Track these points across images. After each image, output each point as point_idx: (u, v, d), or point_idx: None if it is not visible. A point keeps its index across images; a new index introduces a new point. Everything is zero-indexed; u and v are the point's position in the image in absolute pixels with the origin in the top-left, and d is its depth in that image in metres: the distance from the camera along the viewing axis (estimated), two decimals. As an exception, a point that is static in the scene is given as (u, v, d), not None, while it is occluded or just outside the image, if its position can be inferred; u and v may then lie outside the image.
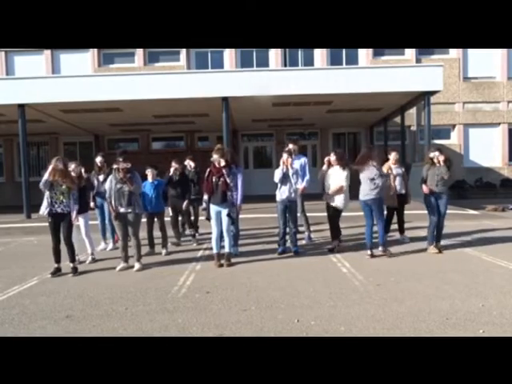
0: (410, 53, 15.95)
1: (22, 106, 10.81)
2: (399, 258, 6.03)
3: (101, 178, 6.98)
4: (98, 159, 7.29)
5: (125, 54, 16.22)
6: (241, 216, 6.81)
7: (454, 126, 16.49)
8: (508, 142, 16.45)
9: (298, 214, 6.98)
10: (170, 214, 7.50)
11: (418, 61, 15.93)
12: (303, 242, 7.28)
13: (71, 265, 5.60)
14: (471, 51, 16.09)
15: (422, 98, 11.19)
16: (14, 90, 10.83)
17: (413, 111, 13.59)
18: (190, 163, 7.80)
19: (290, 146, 7.29)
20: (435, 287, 4.47)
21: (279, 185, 6.31)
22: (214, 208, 5.74)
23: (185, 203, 7.25)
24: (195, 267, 5.73)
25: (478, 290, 4.33)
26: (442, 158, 6.20)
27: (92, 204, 7.17)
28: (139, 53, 16.25)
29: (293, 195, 6.32)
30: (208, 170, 5.83)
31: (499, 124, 16.41)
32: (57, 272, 5.51)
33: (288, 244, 6.51)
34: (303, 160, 7.40)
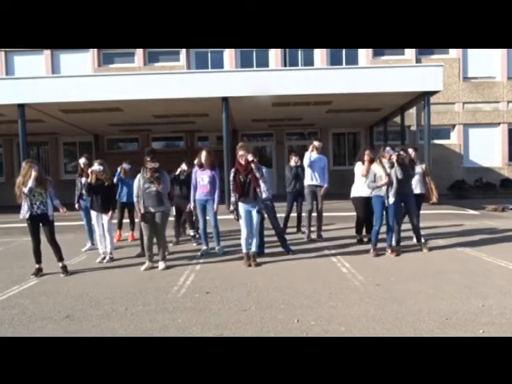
0: (410, 53, 15.96)
1: (21, 106, 10.82)
2: (399, 257, 6.04)
3: (83, 180, 6.90)
4: (82, 161, 7.17)
5: (125, 54, 16.23)
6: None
7: (453, 126, 16.50)
8: (508, 142, 16.46)
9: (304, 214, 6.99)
10: (174, 213, 7.50)
11: (418, 61, 15.94)
12: (304, 239, 7.34)
13: (60, 264, 5.57)
14: (471, 51, 16.10)
15: (421, 98, 11.19)
16: (14, 90, 10.84)
17: (413, 111, 13.61)
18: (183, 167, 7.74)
19: (315, 143, 7.33)
20: (435, 287, 4.47)
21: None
22: (244, 207, 5.68)
23: (189, 205, 7.21)
24: (195, 267, 5.73)
25: (478, 290, 4.33)
26: (394, 158, 6.04)
27: (76, 205, 7.19)
28: (139, 53, 16.26)
29: (265, 195, 6.09)
30: (233, 169, 5.77)
31: (499, 124, 16.42)
32: (39, 272, 5.49)
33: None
34: (325, 159, 7.58)
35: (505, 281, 4.66)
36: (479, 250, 6.29)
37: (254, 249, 5.79)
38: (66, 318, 3.86)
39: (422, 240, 6.55)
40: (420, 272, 5.14)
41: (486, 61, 16.16)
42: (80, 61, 16.23)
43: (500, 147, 16.48)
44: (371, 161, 6.52)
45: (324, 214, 7.63)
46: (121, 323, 3.68)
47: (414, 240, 6.76)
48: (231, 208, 5.86)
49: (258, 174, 5.59)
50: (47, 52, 16.26)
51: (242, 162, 5.66)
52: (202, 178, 6.50)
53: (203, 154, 6.57)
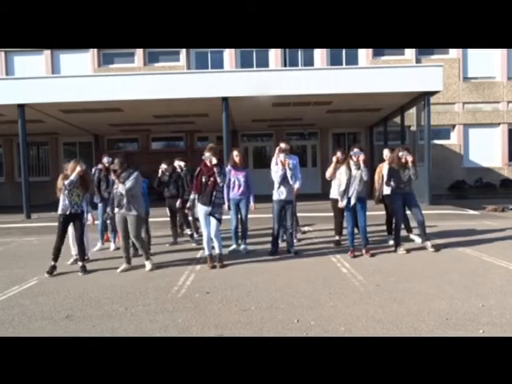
0: (410, 53, 15.97)
1: (21, 106, 10.82)
2: (399, 257, 6.03)
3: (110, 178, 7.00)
4: (105, 159, 7.32)
5: (125, 54, 16.24)
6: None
7: (453, 126, 16.50)
8: (508, 142, 16.46)
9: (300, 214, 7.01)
10: (169, 213, 7.57)
11: (418, 61, 15.94)
12: (295, 241, 7.29)
13: (80, 263, 5.64)
14: (471, 51, 16.10)
15: (421, 99, 11.19)
16: (14, 90, 10.84)
17: (413, 111, 13.60)
18: (179, 164, 7.77)
19: (282, 145, 7.28)
20: (435, 287, 4.47)
21: (278, 185, 6.29)
22: (202, 209, 5.67)
23: (178, 202, 7.28)
24: (195, 267, 5.73)
25: (478, 290, 4.33)
26: (410, 159, 6.15)
27: (100, 203, 7.21)
28: (139, 53, 16.26)
29: (290, 196, 6.34)
30: (198, 168, 5.77)
31: (499, 124, 16.42)
32: (53, 271, 5.52)
33: (283, 244, 6.54)
34: (295, 160, 7.41)
35: (505, 281, 4.66)
36: (479, 250, 6.29)
37: (217, 250, 5.76)
38: (66, 318, 3.86)
39: (440, 242, 6.53)
40: (420, 272, 5.14)
41: (486, 61, 16.16)
42: (80, 61, 16.24)
43: (500, 147, 16.49)
44: (338, 162, 6.57)
45: (323, 214, 7.64)
46: (121, 323, 3.68)
47: (418, 240, 6.80)
48: (188, 205, 5.93)
49: (218, 179, 5.56)
50: (47, 52, 16.26)
51: (208, 164, 5.64)
52: (237, 178, 6.51)
53: (235, 154, 6.59)
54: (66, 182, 5.48)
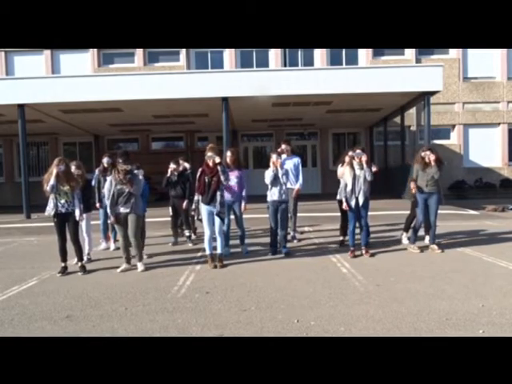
0: (410, 53, 15.96)
1: (21, 106, 10.83)
2: (399, 257, 6.04)
3: (108, 178, 6.97)
4: (105, 160, 7.29)
5: (125, 54, 16.24)
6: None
7: (453, 126, 16.49)
8: (508, 142, 16.45)
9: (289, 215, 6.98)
10: (171, 213, 7.55)
11: (418, 61, 15.93)
12: (294, 242, 7.29)
13: (79, 263, 5.64)
14: (471, 51, 16.09)
15: (421, 99, 11.19)
16: (14, 90, 10.84)
17: (413, 111, 13.60)
18: (183, 164, 7.78)
19: (283, 146, 7.27)
20: (435, 287, 4.47)
21: (270, 186, 6.31)
22: (206, 208, 5.69)
23: (185, 203, 7.27)
24: (195, 267, 5.73)
25: (478, 290, 4.33)
26: (432, 158, 6.21)
27: (98, 204, 7.18)
28: (139, 53, 16.25)
29: (283, 196, 6.32)
30: (200, 169, 5.76)
31: (499, 124, 16.41)
32: (64, 271, 5.55)
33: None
34: (296, 160, 7.39)
35: (505, 281, 4.66)
36: (479, 250, 6.29)
37: (219, 250, 5.78)
38: (66, 318, 3.86)
39: (441, 242, 6.52)
40: (420, 272, 5.14)
41: (486, 61, 16.15)
42: (80, 61, 16.23)
43: (500, 147, 16.48)
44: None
45: (323, 214, 7.63)
46: (121, 323, 3.68)
47: (426, 240, 6.81)
48: (193, 207, 5.93)
49: (222, 178, 5.59)
50: (47, 52, 16.26)
51: (210, 164, 5.65)
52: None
53: (228, 154, 6.58)
54: (48, 188, 5.40)
